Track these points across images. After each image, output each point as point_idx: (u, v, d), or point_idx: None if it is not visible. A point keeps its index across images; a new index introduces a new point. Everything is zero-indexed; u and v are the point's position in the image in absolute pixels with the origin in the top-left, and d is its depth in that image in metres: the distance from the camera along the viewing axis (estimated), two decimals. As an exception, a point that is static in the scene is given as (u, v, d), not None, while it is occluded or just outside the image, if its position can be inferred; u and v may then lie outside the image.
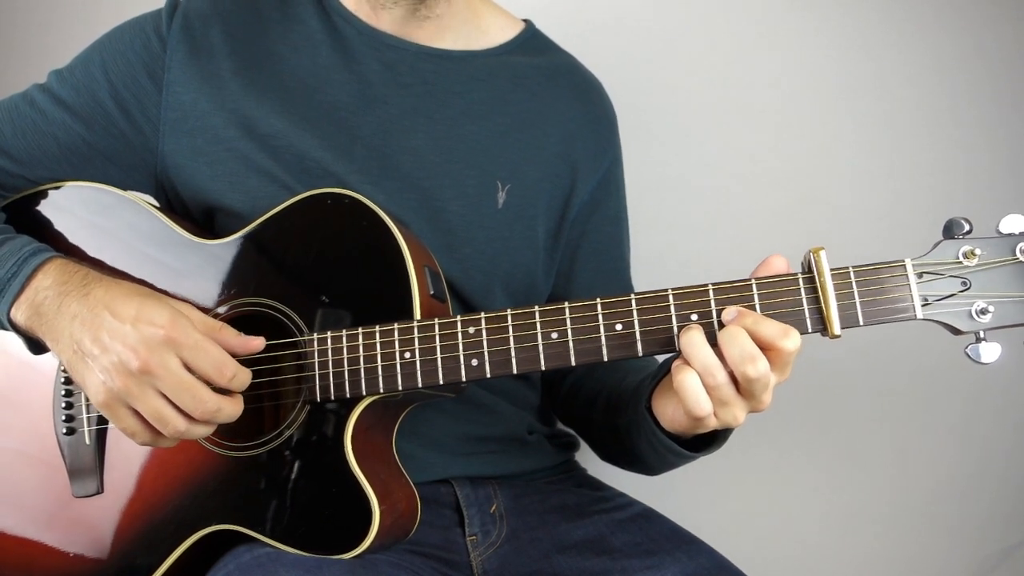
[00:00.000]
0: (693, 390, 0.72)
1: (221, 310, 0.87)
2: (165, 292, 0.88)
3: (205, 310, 0.87)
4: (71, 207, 0.94)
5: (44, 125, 0.94)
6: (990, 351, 0.71)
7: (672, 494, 1.18)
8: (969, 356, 0.72)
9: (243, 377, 0.80)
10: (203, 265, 0.89)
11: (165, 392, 0.77)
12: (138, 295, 0.80)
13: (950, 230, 0.73)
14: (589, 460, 1.13)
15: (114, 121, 0.94)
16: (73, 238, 0.93)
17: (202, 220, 0.96)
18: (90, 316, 0.79)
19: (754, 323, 0.71)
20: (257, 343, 0.82)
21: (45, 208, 0.95)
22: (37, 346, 0.86)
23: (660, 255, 1.28)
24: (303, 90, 0.96)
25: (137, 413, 0.78)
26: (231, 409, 0.79)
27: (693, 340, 0.72)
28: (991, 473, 1.27)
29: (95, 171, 0.95)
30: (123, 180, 0.96)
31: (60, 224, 0.94)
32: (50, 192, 0.95)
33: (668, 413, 0.79)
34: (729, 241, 1.32)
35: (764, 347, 0.71)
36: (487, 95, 1.01)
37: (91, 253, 0.92)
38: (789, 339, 0.71)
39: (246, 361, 0.86)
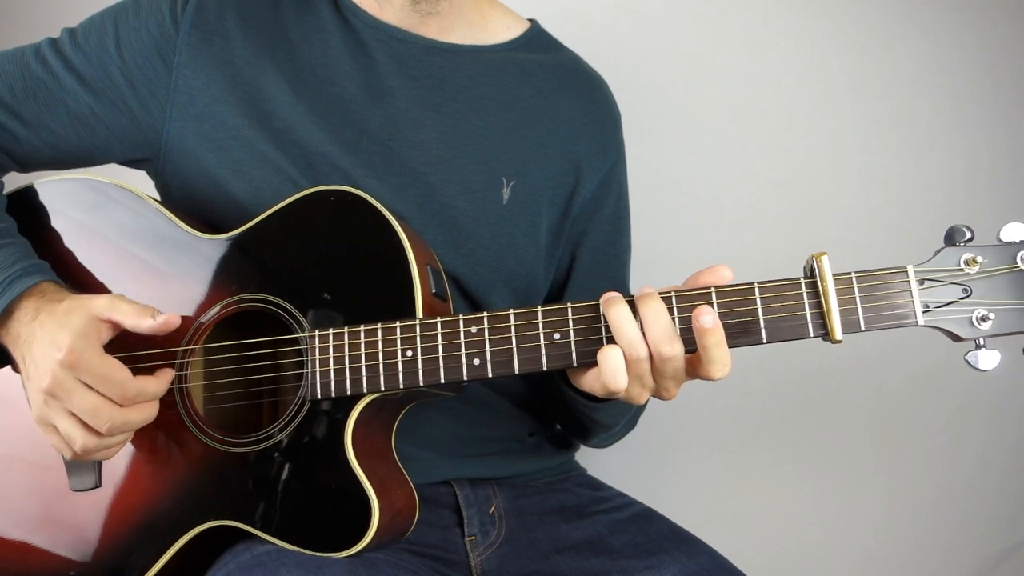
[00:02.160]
0: (614, 364, 0.74)
1: (220, 305, 0.87)
2: (151, 292, 0.89)
3: (204, 306, 0.87)
4: (60, 206, 0.94)
5: (56, 90, 0.94)
6: (989, 358, 0.72)
7: (672, 494, 1.19)
8: (969, 363, 0.72)
9: (150, 388, 0.80)
10: (204, 261, 0.89)
11: (74, 411, 0.79)
12: (63, 311, 0.81)
13: (952, 237, 0.73)
14: (589, 460, 1.13)
15: (123, 96, 0.94)
16: (61, 238, 0.93)
17: (202, 208, 0.95)
18: (31, 338, 0.81)
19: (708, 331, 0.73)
20: (173, 319, 0.82)
21: (36, 205, 0.94)
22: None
23: (660, 255, 1.28)
24: (313, 80, 0.96)
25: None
26: (138, 417, 0.80)
27: (622, 315, 0.74)
28: (991, 474, 1.27)
29: (99, 142, 0.95)
30: (126, 155, 0.96)
31: (49, 223, 0.93)
32: (43, 187, 0.95)
33: (586, 378, 0.81)
34: (730, 242, 1.32)
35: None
36: (494, 90, 1.01)
37: (79, 255, 0.92)
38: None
39: (246, 358, 0.87)
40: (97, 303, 0.81)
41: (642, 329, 0.74)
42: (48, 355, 0.79)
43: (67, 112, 0.94)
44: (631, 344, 0.73)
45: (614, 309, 0.74)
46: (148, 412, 0.82)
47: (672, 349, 0.73)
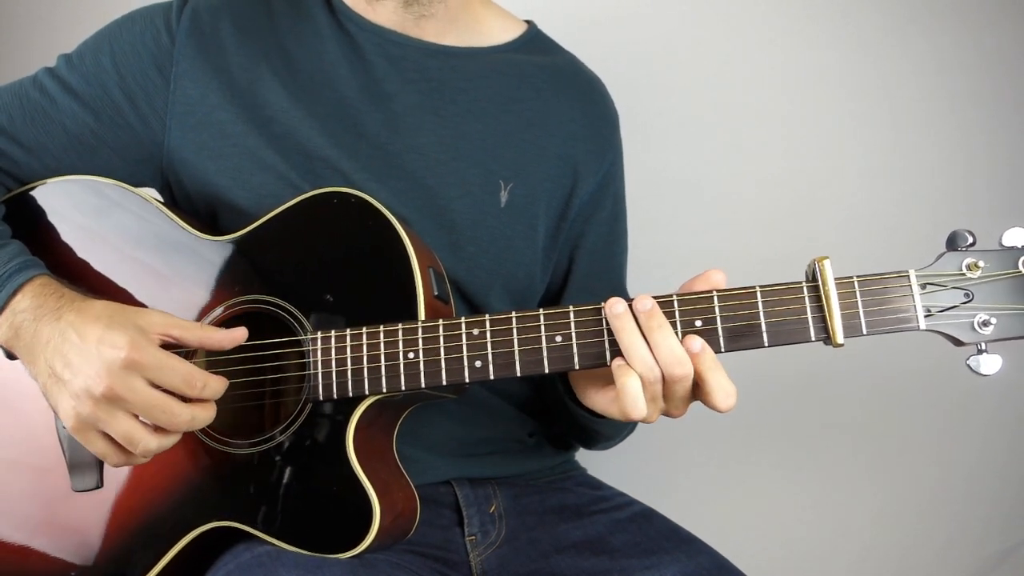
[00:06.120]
0: (634, 393, 0.74)
1: (223, 307, 0.87)
2: (154, 295, 0.88)
3: (207, 307, 0.87)
4: (62, 209, 0.93)
5: (54, 113, 0.93)
6: (991, 363, 0.72)
7: (672, 494, 1.19)
8: (970, 368, 0.73)
9: (215, 385, 0.79)
10: (207, 262, 0.89)
11: (136, 412, 0.77)
12: (106, 316, 0.79)
13: (953, 242, 0.73)
14: (589, 460, 1.14)
15: (122, 112, 0.94)
16: (62, 241, 0.92)
17: (206, 216, 0.96)
18: (60, 340, 0.78)
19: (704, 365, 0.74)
20: (240, 333, 0.82)
21: (38, 209, 0.94)
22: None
23: (660, 256, 1.28)
24: (311, 85, 0.96)
25: (108, 436, 0.78)
26: (205, 415, 0.79)
27: (635, 337, 0.74)
28: (990, 474, 1.28)
29: (101, 162, 0.94)
30: (129, 173, 0.96)
31: (51, 226, 0.93)
32: (44, 189, 0.94)
33: (598, 401, 0.82)
34: (731, 246, 1.32)
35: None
36: (492, 92, 1.01)
37: (80, 256, 0.91)
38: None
39: (248, 359, 0.87)
40: (152, 317, 0.80)
41: (651, 351, 0.74)
42: (101, 355, 0.75)
43: (66, 134, 0.93)
44: (647, 366, 0.74)
45: (626, 331, 0.74)
46: (211, 412, 0.80)
47: (683, 369, 0.73)
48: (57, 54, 0.97)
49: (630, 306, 0.75)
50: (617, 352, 0.76)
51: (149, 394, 0.76)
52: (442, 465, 0.97)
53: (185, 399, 0.78)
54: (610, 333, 0.76)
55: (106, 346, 0.76)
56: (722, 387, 0.73)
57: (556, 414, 1.00)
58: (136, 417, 0.77)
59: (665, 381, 0.74)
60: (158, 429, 0.78)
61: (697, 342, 0.73)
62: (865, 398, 1.31)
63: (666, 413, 0.78)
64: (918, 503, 1.30)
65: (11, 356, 0.86)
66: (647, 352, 0.74)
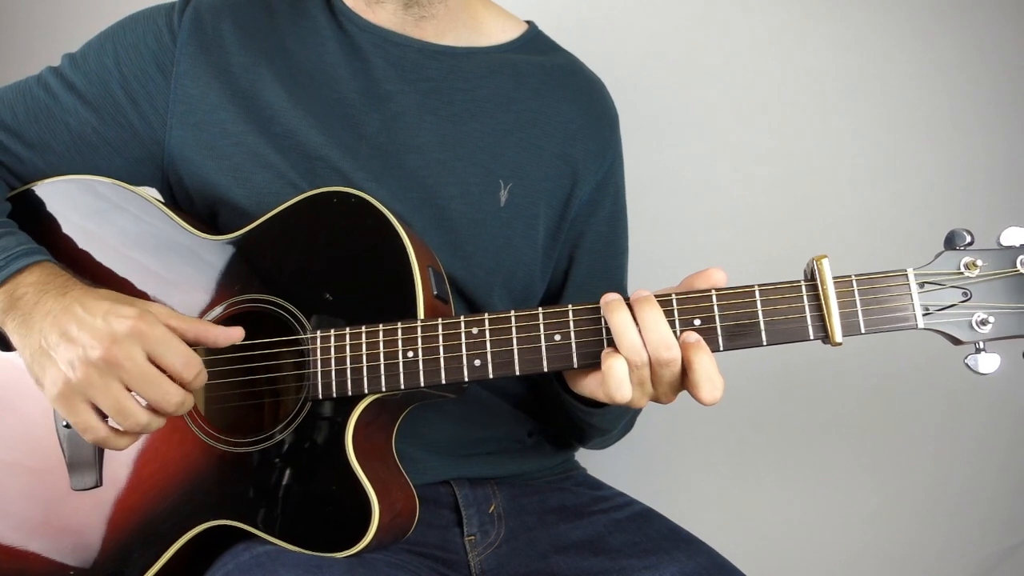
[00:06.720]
0: (620, 376, 0.74)
1: (223, 306, 0.87)
2: (154, 295, 0.89)
3: (207, 307, 0.88)
4: (60, 209, 0.94)
5: (57, 111, 0.94)
6: (989, 362, 0.72)
7: (672, 494, 1.19)
8: (968, 366, 0.73)
9: (204, 377, 0.80)
10: (206, 262, 0.89)
11: (129, 384, 0.77)
12: (112, 297, 0.80)
13: (952, 241, 0.73)
14: (589, 460, 1.14)
15: (124, 111, 0.94)
16: (61, 242, 0.92)
17: (206, 215, 0.96)
18: (63, 312, 0.79)
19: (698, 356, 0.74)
20: (236, 332, 0.83)
21: (37, 209, 0.94)
22: (2, 342, 0.86)
23: (660, 255, 1.29)
24: (311, 85, 0.96)
25: (94, 408, 0.78)
26: (190, 403, 0.80)
27: (624, 321, 0.74)
28: (989, 474, 1.28)
29: (102, 160, 0.95)
30: (130, 172, 0.96)
31: (49, 227, 0.93)
32: (42, 190, 0.94)
33: (587, 384, 0.81)
34: (730, 244, 1.32)
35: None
36: (491, 92, 1.01)
37: (79, 256, 0.92)
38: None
39: (248, 358, 0.87)
40: (154, 306, 0.81)
41: (641, 334, 0.74)
42: (108, 323, 0.76)
43: (69, 132, 0.94)
44: (633, 349, 0.74)
45: (617, 315, 0.75)
46: (192, 401, 0.81)
47: (670, 354, 0.74)
48: (59, 54, 0.98)
49: (626, 300, 0.76)
50: (614, 350, 0.76)
51: (146, 366, 0.77)
52: (441, 465, 0.97)
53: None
54: (608, 332, 0.76)
55: (114, 316, 0.77)
56: (709, 377, 0.73)
57: (551, 408, 1.00)
58: (128, 391, 0.77)
59: (652, 365, 0.74)
60: (147, 407, 0.78)
61: (693, 334, 0.74)
62: (864, 397, 1.31)
63: (655, 399, 0.78)
64: (917, 502, 1.30)
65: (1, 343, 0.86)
66: (636, 336, 0.74)
